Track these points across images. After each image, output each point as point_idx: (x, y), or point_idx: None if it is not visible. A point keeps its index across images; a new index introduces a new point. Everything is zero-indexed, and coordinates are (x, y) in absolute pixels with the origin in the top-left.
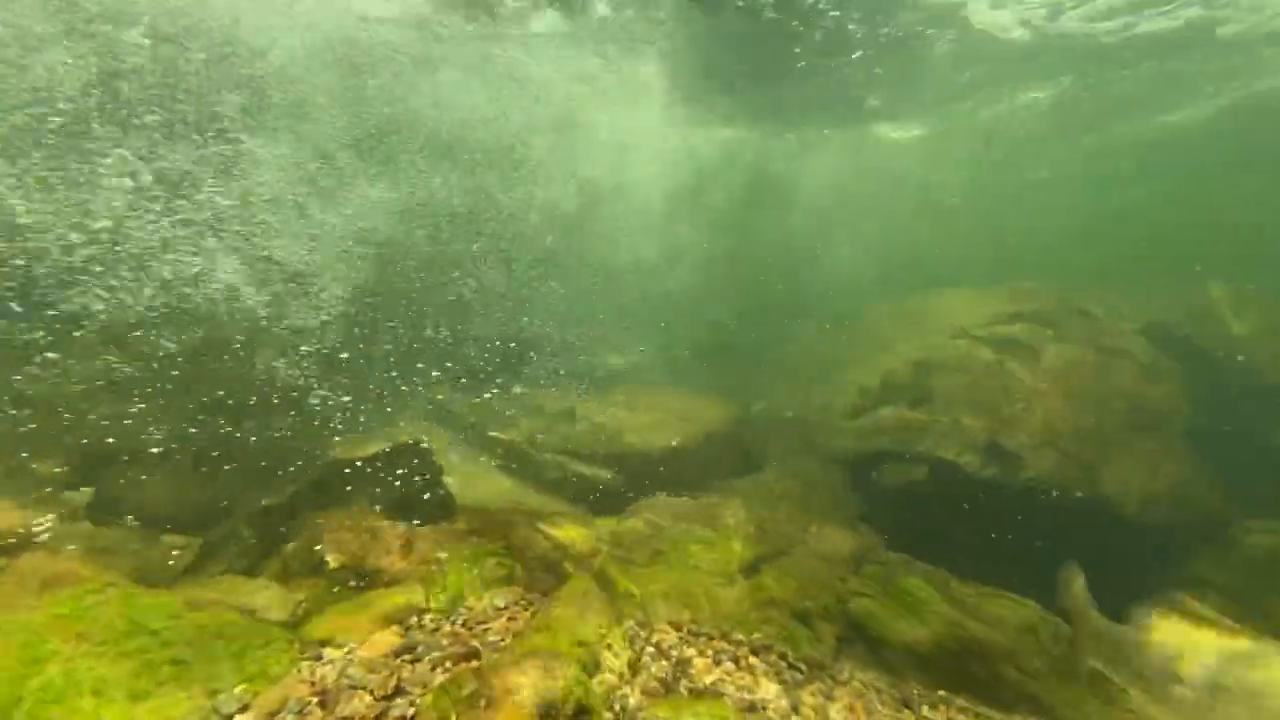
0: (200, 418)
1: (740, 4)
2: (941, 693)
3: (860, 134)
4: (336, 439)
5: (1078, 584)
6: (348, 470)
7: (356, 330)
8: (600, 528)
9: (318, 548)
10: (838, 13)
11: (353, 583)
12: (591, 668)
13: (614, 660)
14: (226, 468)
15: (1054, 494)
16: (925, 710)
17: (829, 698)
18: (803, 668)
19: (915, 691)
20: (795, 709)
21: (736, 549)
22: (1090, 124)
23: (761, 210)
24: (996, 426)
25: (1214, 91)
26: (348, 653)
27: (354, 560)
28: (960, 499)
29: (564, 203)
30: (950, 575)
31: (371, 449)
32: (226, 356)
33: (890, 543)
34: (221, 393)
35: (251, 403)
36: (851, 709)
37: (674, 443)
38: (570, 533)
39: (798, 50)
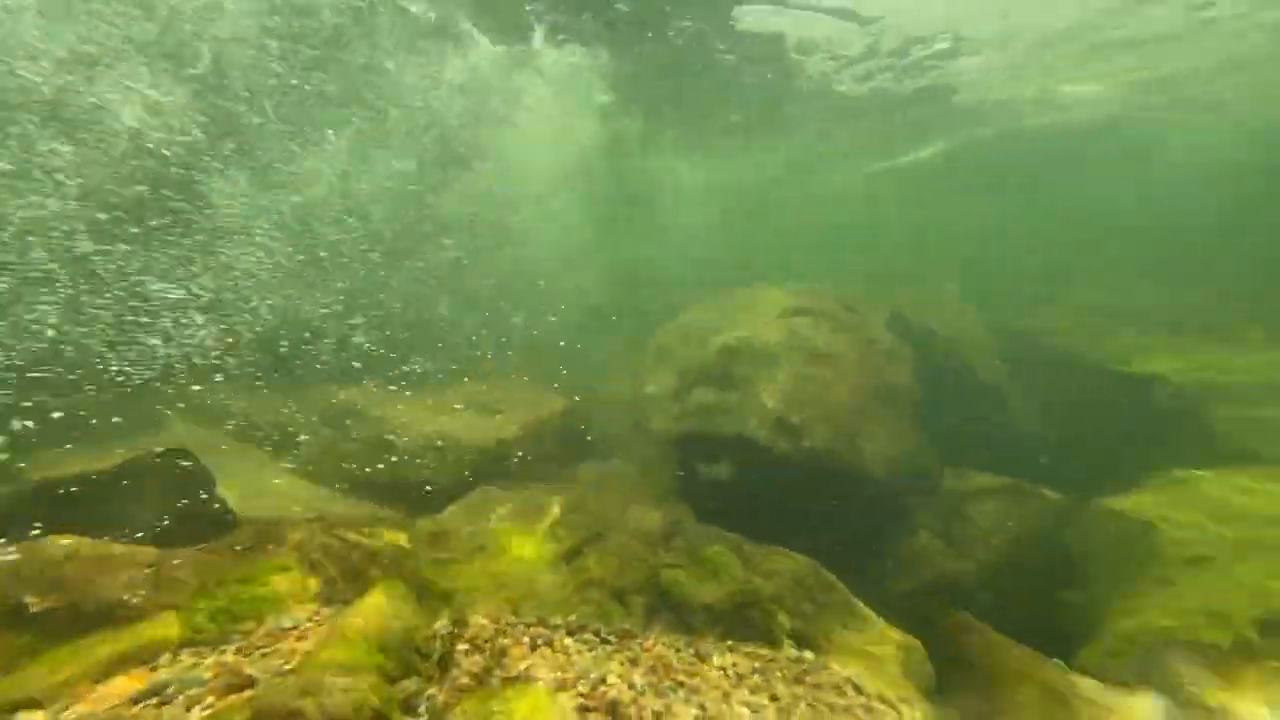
0: None
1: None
2: (730, 642)
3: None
4: (60, 450)
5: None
6: (72, 489)
7: (95, 314)
8: (417, 528)
9: (12, 589)
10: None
11: (73, 626)
12: (395, 674)
13: (422, 663)
14: None
15: (826, 461)
16: (715, 658)
17: (635, 663)
18: (613, 640)
19: (710, 644)
20: (604, 679)
21: (560, 536)
22: (863, 158)
23: (618, 206)
24: (783, 405)
25: (947, 136)
26: (57, 712)
27: (72, 599)
28: (758, 470)
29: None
30: (745, 539)
31: (111, 461)
32: None
33: (701, 515)
34: None
35: None
36: (654, 669)
37: (505, 435)
38: (380, 537)
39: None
